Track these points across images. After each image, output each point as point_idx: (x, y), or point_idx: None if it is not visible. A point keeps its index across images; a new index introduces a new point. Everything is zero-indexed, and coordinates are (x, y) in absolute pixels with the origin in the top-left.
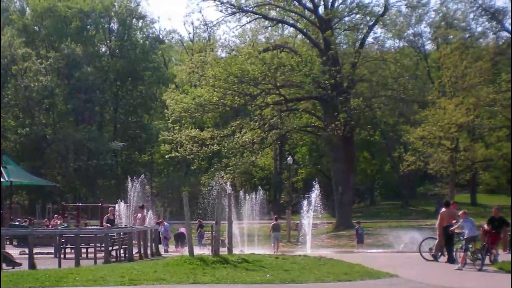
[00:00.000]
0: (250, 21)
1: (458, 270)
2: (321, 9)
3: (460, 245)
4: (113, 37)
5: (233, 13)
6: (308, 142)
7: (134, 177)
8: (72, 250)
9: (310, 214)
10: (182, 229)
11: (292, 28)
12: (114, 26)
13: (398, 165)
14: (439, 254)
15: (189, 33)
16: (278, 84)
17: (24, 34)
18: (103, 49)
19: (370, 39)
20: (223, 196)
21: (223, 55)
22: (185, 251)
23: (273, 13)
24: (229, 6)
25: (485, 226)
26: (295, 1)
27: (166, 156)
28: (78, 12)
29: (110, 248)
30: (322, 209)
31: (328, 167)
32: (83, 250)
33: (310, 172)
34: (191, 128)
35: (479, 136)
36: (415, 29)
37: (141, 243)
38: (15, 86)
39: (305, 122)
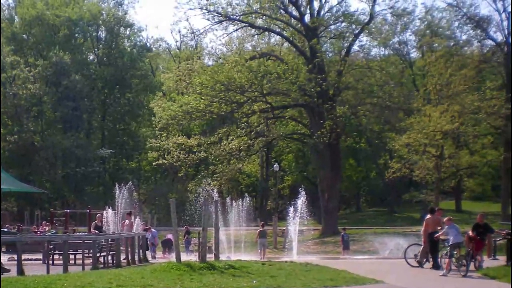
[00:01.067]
0: (236, 30)
1: (443, 276)
2: (307, 18)
3: (445, 252)
4: (101, 45)
5: (220, 22)
6: (294, 149)
7: (122, 184)
8: (60, 256)
9: (296, 220)
10: (170, 236)
11: (278, 36)
12: (102, 34)
13: (384, 172)
14: (424, 260)
15: (176, 41)
16: (265, 92)
17: (13, 42)
18: (91, 57)
19: (355, 47)
20: (210, 202)
21: (210, 63)
22: (173, 257)
23: (259, 22)
24: (216, 14)
25: (470, 233)
26: (281, 10)
27: (154, 163)
28: (66, 20)
29: (98, 254)
30: (308, 216)
31: (314, 174)
32: (71, 257)
33: (296, 179)
34: (178, 136)
35: (463, 143)
36: (401, 37)
37: (129, 249)
38: (4, 94)
39: (291, 129)
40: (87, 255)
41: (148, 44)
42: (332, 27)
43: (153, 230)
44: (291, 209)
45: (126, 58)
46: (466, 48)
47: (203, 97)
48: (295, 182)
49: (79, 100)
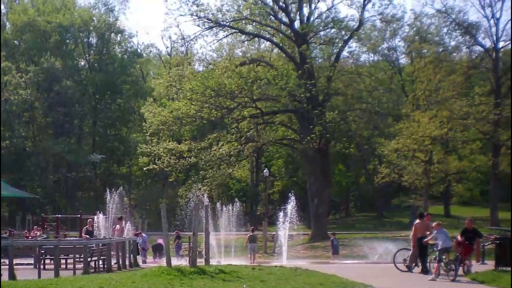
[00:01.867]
0: (227, 36)
1: (432, 280)
2: (297, 24)
3: (434, 256)
4: (92, 51)
5: (210, 28)
6: (284, 154)
7: (113, 189)
8: (52, 261)
9: (286, 225)
10: (160, 240)
11: (268, 42)
12: (93, 40)
13: (373, 177)
14: (413, 265)
15: (167, 47)
16: (255, 98)
17: (4, 48)
18: (82, 63)
19: (345, 53)
20: (200, 207)
21: (200, 69)
22: (163, 262)
23: (249, 28)
24: (206, 20)
25: (459, 238)
26: (271, 16)
27: (144, 169)
28: (57, 26)
29: (89, 259)
30: (298, 221)
31: (303, 179)
32: (63, 261)
33: (286, 184)
34: (169, 141)
35: (452, 148)
36: (390, 43)
37: (120, 254)
38: None
39: (281, 135)
40: (78, 259)
41: (138, 50)
42: (322, 33)
43: (143, 235)
44: (281, 214)
45: (117, 64)
46: (454, 54)
47: (193, 103)
48: (285, 187)
49: (70, 106)
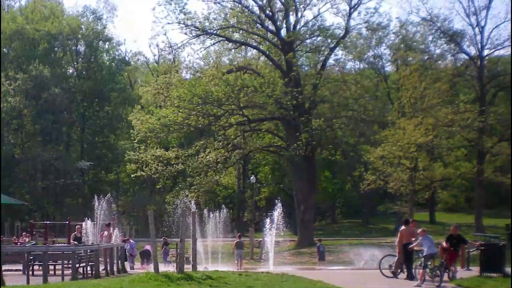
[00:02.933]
0: (214, 43)
1: (417, 286)
2: (283, 32)
3: (419, 262)
4: (80, 59)
5: (197, 36)
6: (271, 161)
7: (101, 196)
8: (40, 267)
9: (273, 232)
10: (148, 247)
11: (255, 50)
12: (81, 48)
13: (359, 184)
14: (399, 271)
15: (154, 55)
16: (242, 105)
17: None
18: (71, 71)
19: (331, 61)
20: (187, 214)
21: (188, 76)
22: (151, 268)
23: (236, 36)
24: (194, 28)
25: (444, 244)
26: (258, 24)
27: (132, 175)
28: (46, 34)
29: (77, 265)
30: (284, 227)
31: (290, 186)
32: (51, 267)
33: (273, 191)
34: (156, 148)
35: (437, 155)
36: (375, 51)
37: (108, 260)
38: None
39: (267, 142)
40: (66, 266)
41: (126, 58)
42: (308, 41)
43: (131, 241)
44: (268, 220)
45: (105, 72)
46: (440, 62)
47: (180, 110)
48: (272, 194)
49: (59, 113)
